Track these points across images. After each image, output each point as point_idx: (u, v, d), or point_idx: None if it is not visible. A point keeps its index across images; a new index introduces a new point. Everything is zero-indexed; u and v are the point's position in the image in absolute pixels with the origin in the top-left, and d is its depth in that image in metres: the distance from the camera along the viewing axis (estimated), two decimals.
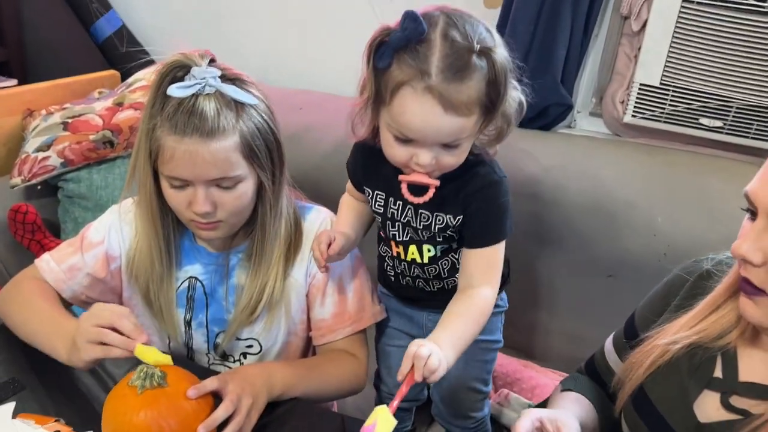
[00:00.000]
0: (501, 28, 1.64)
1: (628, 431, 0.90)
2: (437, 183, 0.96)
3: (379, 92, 0.91)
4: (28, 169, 1.57)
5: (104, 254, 1.13)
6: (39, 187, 1.61)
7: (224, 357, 1.17)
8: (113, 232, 1.14)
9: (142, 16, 2.22)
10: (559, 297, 1.61)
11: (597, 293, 1.54)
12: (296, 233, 1.14)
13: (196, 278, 1.14)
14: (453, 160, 0.94)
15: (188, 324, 1.15)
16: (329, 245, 1.00)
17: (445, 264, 1.09)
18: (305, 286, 1.15)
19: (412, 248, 1.08)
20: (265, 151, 1.03)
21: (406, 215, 1.05)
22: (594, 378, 1.03)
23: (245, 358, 1.17)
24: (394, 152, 0.94)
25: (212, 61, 1.01)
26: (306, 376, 1.06)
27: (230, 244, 1.14)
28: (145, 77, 1.76)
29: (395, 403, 0.84)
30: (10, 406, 0.95)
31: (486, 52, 0.87)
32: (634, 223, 1.48)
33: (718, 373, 0.81)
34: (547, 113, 1.67)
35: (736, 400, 0.79)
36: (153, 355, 0.88)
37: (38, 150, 1.59)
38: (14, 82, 1.96)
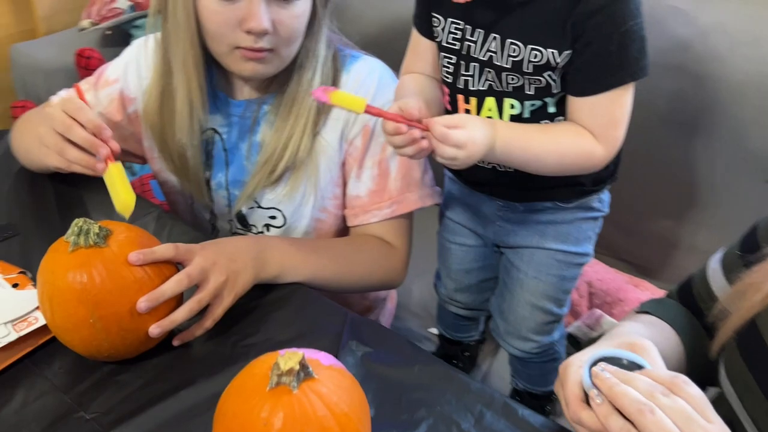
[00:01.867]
0: None
1: (725, 378, 0.61)
2: None
3: None
4: (96, 11, 1.46)
5: (119, 94, 0.99)
6: (109, 32, 1.49)
7: (245, 225, 1.00)
8: (131, 69, 0.99)
9: None
10: (695, 201, 1.25)
11: (748, 202, 1.16)
12: (333, 82, 0.92)
13: (215, 130, 0.96)
14: None
15: (207, 183, 0.99)
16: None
17: None
18: (339, 153, 0.93)
19: (489, 102, 0.81)
20: None
21: (487, 48, 0.77)
22: (688, 305, 0.73)
23: (268, 230, 0.99)
24: None
25: None
26: (314, 257, 0.86)
27: (258, 91, 0.94)
28: None
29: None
30: None
31: None
32: None
33: None
34: None
35: None
36: (120, 192, 0.75)
37: None
38: None
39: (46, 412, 0.66)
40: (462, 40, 0.80)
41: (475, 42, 0.78)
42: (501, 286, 1.03)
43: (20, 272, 0.80)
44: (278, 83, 0.92)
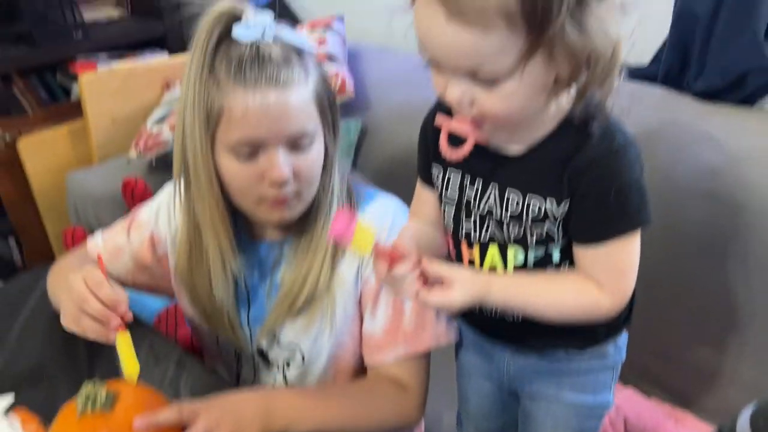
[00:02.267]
0: None
1: None
2: (478, 136, 0.70)
3: None
4: (143, 143, 1.55)
5: (150, 236, 1.03)
6: (153, 164, 1.58)
7: (267, 362, 1.01)
8: (162, 212, 1.03)
9: None
10: (735, 329, 1.19)
11: None
12: None
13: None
14: (494, 103, 0.65)
15: (230, 322, 1.00)
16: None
17: None
18: (355, 290, 0.94)
19: (492, 252, 0.80)
20: (329, 104, 0.88)
21: (487, 200, 0.77)
22: None
23: (288, 366, 1.00)
24: (434, 81, 0.69)
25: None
26: (322, 407, 0.86)
27: (279, 231, 0.97)
28: None
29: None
30: (8, 399, 0.88)
31: None
32: None
33: None
34: (744, 83, 1.23)
35: None
36: (127, 360, 0.78)
37: (155, 123, 1.57)
38: (165, 54, 1.98)
39: None
40: (461, 190, 0.80)
41: (474, 192, 0.78)
42: None
43: (40, 423, 0.82)
44: (298, 223, 0.94)
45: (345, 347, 0.97)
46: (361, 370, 1.00)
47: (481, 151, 0.73)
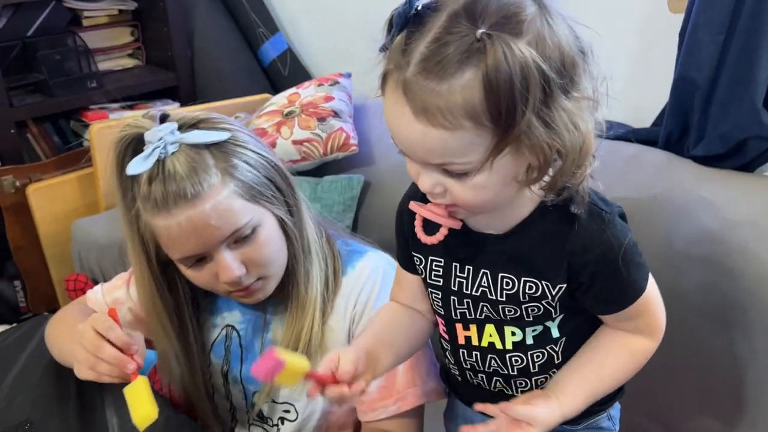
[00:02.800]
0: (683, 37, 1.27)
1: None
2: (452, 223, 0.70)
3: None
4: None
5: None
6: None
7: (262, 419, 1.01)
8: None
9: (309, 39, 2.18)
10: (743, 400, 1.17)
11: None
12: (334, 270, 0.95)
13: (233, 327, 1.00)
14: (467, 194, 0.65)
15: (225, 377, 1.01)
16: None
17: (537, 356, 0.79)
18: (347, 345, 0.93)
19: (490, 329, 0.79)
20: (267, 183, 0.87)
21: (479, 285, 0.76)
22: None
23: (283, 424, 1.00)
24: (408, 168, 0.69)
25: (164, 117, 0.86)
26: None
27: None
28: (277, 102, 1.68)
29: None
30: None
31: (494, 39, 0.56)
32: None
33: None
34: (743, 150, 1.23)
35: None
36: (141, 404, 0.79)
37: None
38: (176, 105, 2.02)
39: None
40: (447, 276, 0.79)
41: (465, 279, 0.77)
42: None
43: None
44: (278, 289, 0.95)
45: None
46: (354, 424, 1.01)
47: (459, 233, 0.73)
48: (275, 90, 2.10)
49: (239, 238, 0.85)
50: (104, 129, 1.73)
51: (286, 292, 0.94)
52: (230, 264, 0.84)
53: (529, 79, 0.57)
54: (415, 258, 0.81)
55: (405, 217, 0.82)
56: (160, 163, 0.81)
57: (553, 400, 0.75)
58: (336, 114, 1.57)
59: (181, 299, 0.96)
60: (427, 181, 0.65)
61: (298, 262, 0.92)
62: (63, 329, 1.01)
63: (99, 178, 1.75)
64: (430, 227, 0.73)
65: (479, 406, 0.76)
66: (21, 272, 1.95)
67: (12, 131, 1.86)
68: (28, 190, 1.79)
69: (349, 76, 1.74)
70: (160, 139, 0.81)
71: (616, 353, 0.77)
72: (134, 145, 0.85)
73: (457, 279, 0.78)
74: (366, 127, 1.70)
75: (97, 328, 0.85)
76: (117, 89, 1.97)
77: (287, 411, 0.99)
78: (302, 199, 0.94)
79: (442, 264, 0.79)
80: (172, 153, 0.81)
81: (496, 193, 0.65)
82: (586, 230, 0.70)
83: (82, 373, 0.87)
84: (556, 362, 0.79)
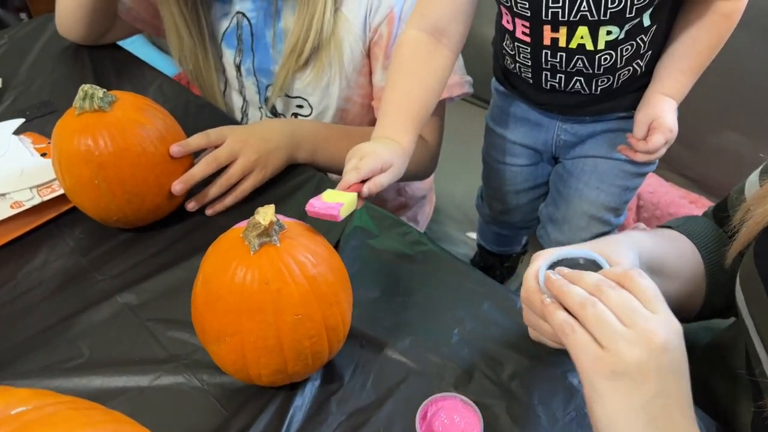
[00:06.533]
0: None
1: (739, 290, 0.55)
2: None
3: None
4: None
5: None
6: None
7: (275, 113, 1.00)
8: None
9: None
10: (763, 112, 1.14)
11: None
12: None
13: (244, 14, 0.94)
14: None
15: (238, 68, 0.98)
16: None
17: (626, 50, 0.74)
18: (363, 39, 0.89)
19: (582, 31, 0.73)
20: None
21: None
22: (721, 222, 0.67)
23: (296, 119, 0.98)
24: None
25: None
26: (345, 143, 0.83)
27: None
28: None
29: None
30: (18, 121, 0.88)
31: None
32: None
33: None
34: None
35: None
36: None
37: None
38: None
39: (63, 270, 0.70)
40: None
41: None
42: (554, 194, 0.97)
43: (49, 143, 0.82)
44: None
45: (353, 100, 0.95)
46: (369, 123, 0.99)
47: None
48: None
49: None
50: None
51: None
52: None
53: None
54: None
55: None
56: None
57: (662, 98, 0.75)
58: None
59: None
60: None
61: None
62: None
63: None
64: None
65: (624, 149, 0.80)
66: (27, 2, 1.88)
67: None
68: None
69: None
70: None
71: (708, 23, 0.72)
72: None
73: None
74: None
75: None
76: None
77: (300, 106, 0.97)
78: None
79: None
80: None
81: None
82: None
83: None
84: (641, 52, 0.75)
